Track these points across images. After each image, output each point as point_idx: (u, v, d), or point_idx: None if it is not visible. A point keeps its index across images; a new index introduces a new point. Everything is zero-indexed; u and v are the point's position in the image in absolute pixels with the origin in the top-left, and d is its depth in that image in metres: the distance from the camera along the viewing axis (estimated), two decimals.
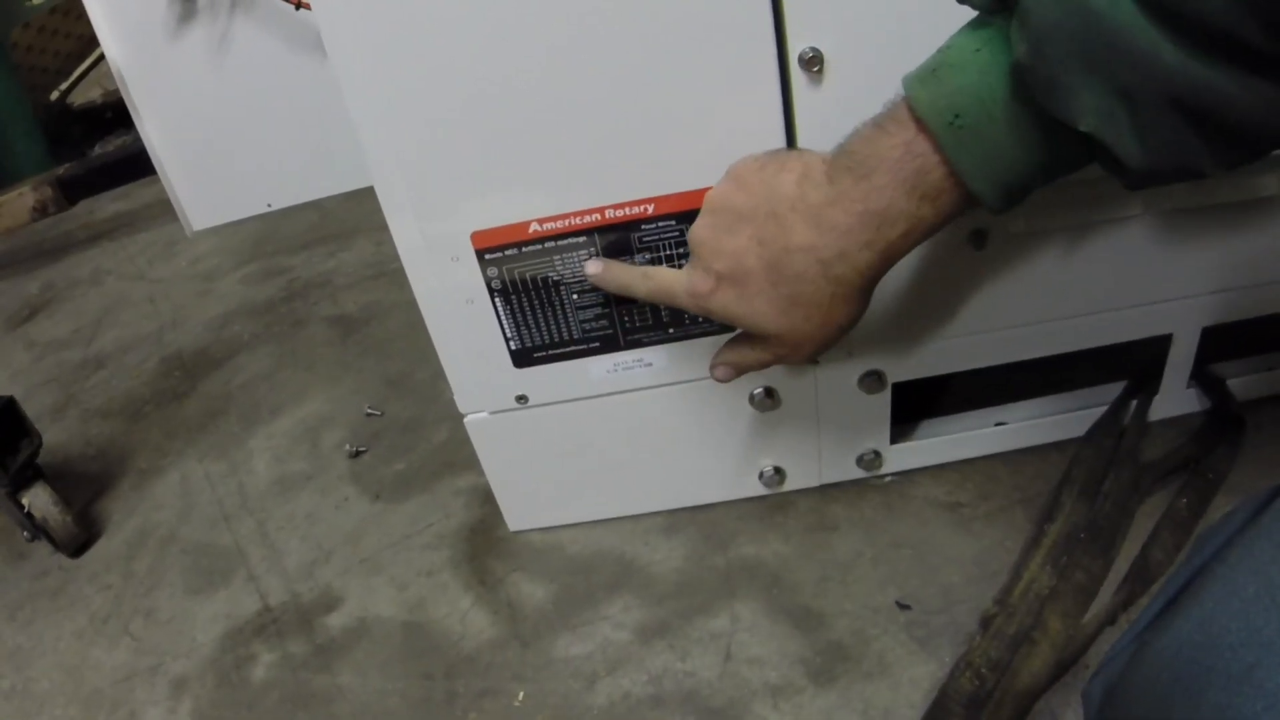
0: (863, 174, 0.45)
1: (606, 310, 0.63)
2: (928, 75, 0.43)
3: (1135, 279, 0.65)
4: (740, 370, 0.57)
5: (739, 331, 0.55)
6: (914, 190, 0.44)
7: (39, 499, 0.86)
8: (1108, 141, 0.39)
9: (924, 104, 0.43)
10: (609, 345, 0.65)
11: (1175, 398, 0.74)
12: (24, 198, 1.44)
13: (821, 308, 0.49)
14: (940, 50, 0.44)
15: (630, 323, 0.64)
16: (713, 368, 0.58)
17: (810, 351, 0.53)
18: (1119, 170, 0.41)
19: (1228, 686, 0.32)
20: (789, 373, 0.68)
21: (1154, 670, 0.37)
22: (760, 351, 0.54)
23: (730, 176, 0.52)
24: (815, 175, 0.48)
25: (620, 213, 0.59)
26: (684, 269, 0.54)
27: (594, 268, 0.59)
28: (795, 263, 0.48)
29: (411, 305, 0.64)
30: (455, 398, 0.70)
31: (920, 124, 0.43)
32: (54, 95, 2.07)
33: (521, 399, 0.69)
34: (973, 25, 0.43)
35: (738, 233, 0.50)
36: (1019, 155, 0.42)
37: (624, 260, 0.60)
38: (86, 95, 2.08)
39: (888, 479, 0.75)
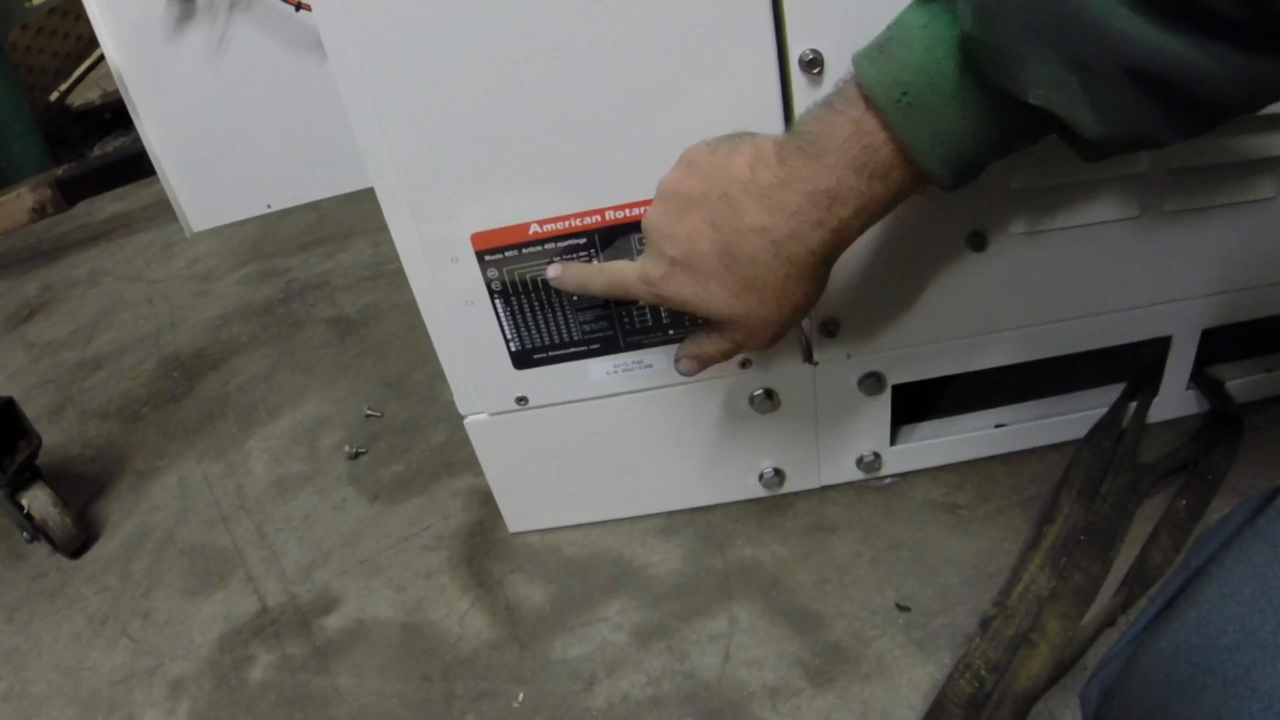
0: (813, 153, 0.45)
1: (606, 312, 0.63)
2: (875, 52, 0.43)
3: (1134, 281, 0.65)
4: (704, 362, 0.57)
5: (699, 324, 0.55)
6: (864, 168, 0.44)
7: (38, 500, 0.86)
8: (1060, 113, 0.38)
9: (871, 81, 0.42)
10: (609, 347, 0.65)
11: (1174, 400, 0.74)
12: (22, 199, 1.44)
13: (775, 290, 0.49)
14: (889, 27, 0.43)
15: (630, 324, 0.64)
16: (676, 361, 0.57)
17: (769, 335, 0.53)
18: (1074, 141, 0.40)
19: (1224, 689, 0.32)
20: (788, 374, 0.68)
21: (1150, 672, 0.38)
22: (720, 340, 0.54)
23: (682, 162, 0.52)
24: (766, 156, 0.47)
25: (621, 214, 0.59)
26: (638, 259, 0.54)
27: (553, 271, 0.59)
28: (747, 244, 0.48)
29: (409, 306, 0.64)
30: (455, 399, 0.70)
31: (868, 101, 0.43)
32: (53, 96, 2.07)
33: (521, 400, 0.69)
34: (920, 0, 0.43)
35: (689, 217, 0.50)
36: (968, 130, 0.42)
37: (623, 260, 0.60)
38: (85, 96, 2.08)
39: (887, 480, 0.75)
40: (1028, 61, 0.38)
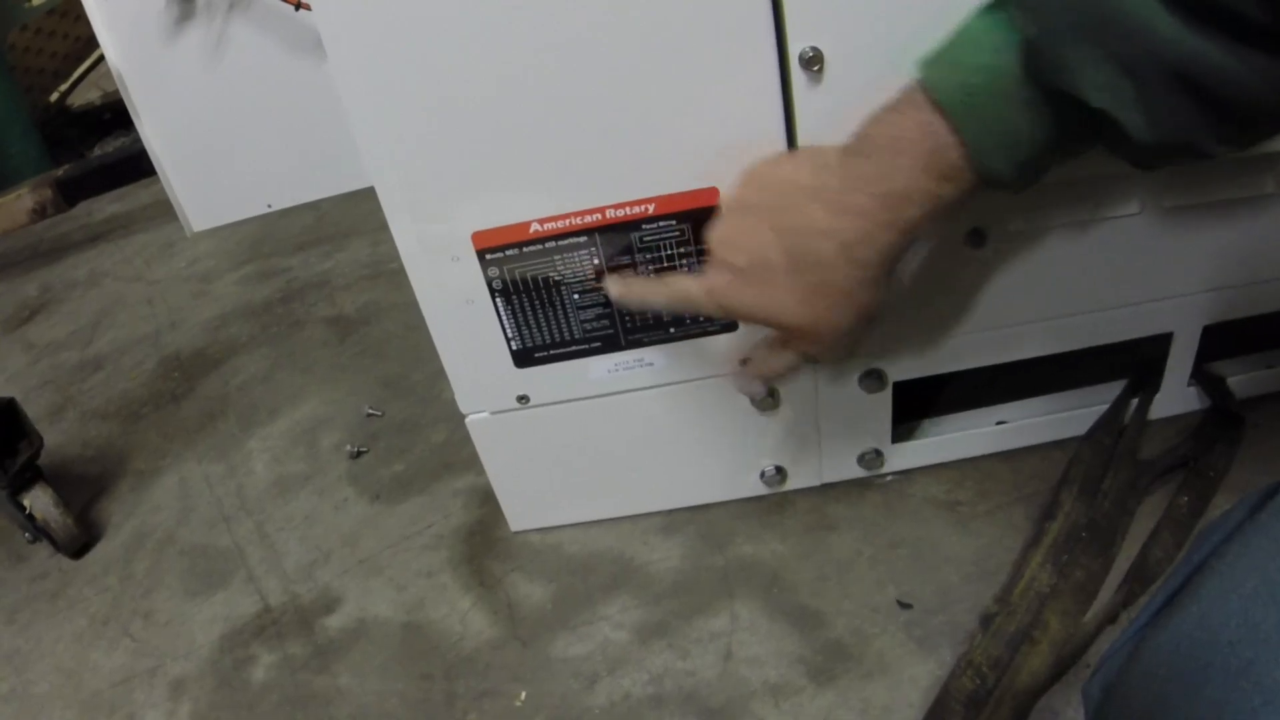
0: (880, 157, 0.46)
1: (607, 310, 0.63)
2: (939, 57, 0.44)
3: (1135, 277, 0.65)
4: (770, 379, 0.56)
5: (761, 340, 0.55)
6: (932, 169, 0.45)
7: (40, 501, 0.86)
8: (1117, 117, 0.39)
9: (939, 85, 0.43)
10: (610, 345, 0.65)
11: (1175, 396, 0.74)
12: (22, 199, 1.44)
13: (845, 294, 0.49)
14: (954, 33, 0.44)
15: (631, 322, 0.64)
16: (741, 380, 0.57)
17: (837, 343, 0.52)
18: (1126, 146, 0.41)
19: (1225, 682, 0.32)
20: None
21: (1152, 666, 0.38)
22: (787, 354, 0.54)
23: (743, 176, 0.52)
24: (831, 162, 0.48)
25: (621, 212, 0.59)
26: (701, 271, 0.54)
27: (616, 289, 0.59)
28: (817, 249, 0.48)
29: (409, 306, 0.64)
30: (456, 398, 0.70)
31: (936, 105, 0.43)
32: (53, 97, 2.07)
33: (522, 399, 0.69)
34: (986, 8, 0.44)
35: (755, 227, 0.50)
36: (1034, 132, 0.42)
37: (624, 258, 0.60)
38: (85, 97, 2.08)
39: (888, 478, 0.75)
40: (1084, 65, 0.39)
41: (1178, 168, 0.59)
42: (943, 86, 0.43)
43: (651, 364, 0.66)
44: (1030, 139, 0.43)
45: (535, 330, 0.64)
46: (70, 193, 1.47)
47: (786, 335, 0.53)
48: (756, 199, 0.51)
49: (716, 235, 0.52)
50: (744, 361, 0.58)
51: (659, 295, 0.57)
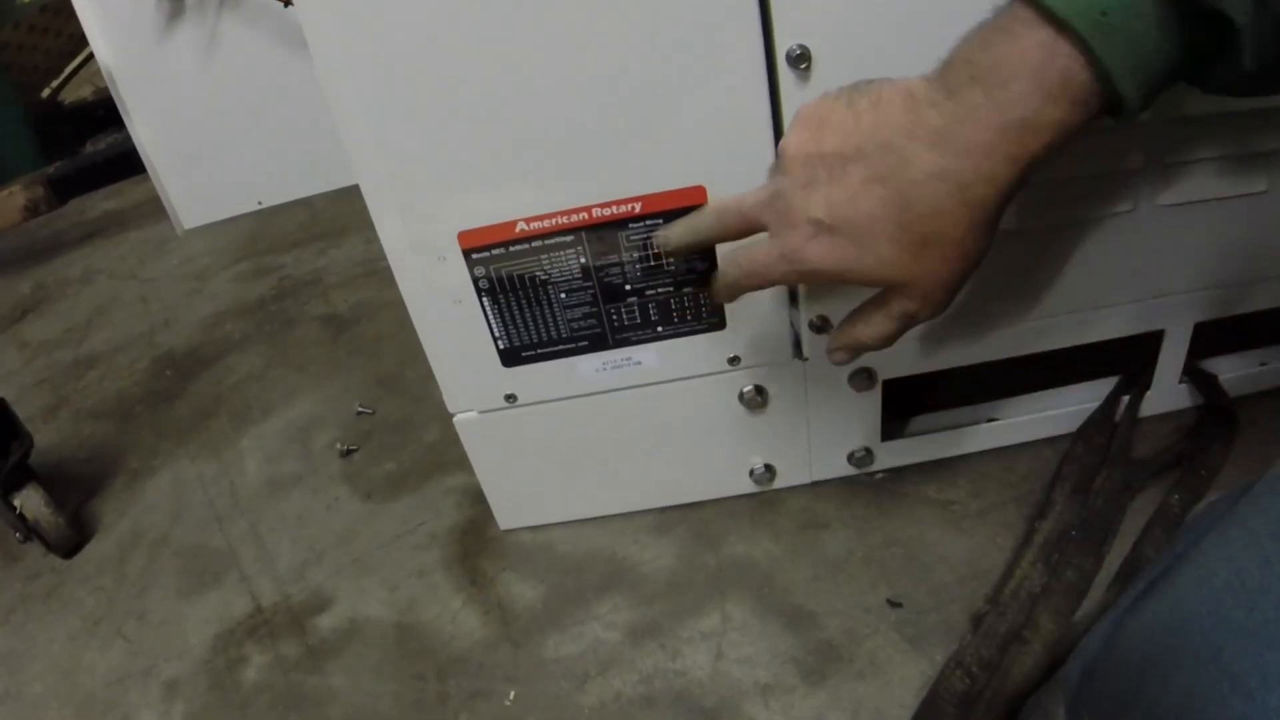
0: (995, 82, 0.41)
1: (595, 309, 0.63)
2: None
3: (1128, 275, 0.65)
4: (860, 349, 0.51)
5: (857, 310, 0.50)
6: (1057, 94, 0.40)
7: (31, 501, 0.86)
8: (1244, 42, 0.37)
9: (1067, 4, 0.39)
10: (598, 344, 0.65)
11: (1168, 393, 0.74)
12: (14, 197, 1.44)
13: (957, 242, 0.44)
14: None
15: (619, 321, 0.64)
16: (830, 353, 0.52)
17: (943, 300, 0.47)
18: (1236, 70, 0.39)
19: (1196, 669, 0.32)
20: (778, 370, 0.68)
21: (1128, 652, 0.38)
22: (885, 318, 0.48)
23: (806, 122, 0.46)
24: (928, 94, 0.43)
25: (607, 211, 0.58)
26: (768, 236, 0.49)
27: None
28: (928, 194, 0.43)
29: (402, 304, 0.64)
30: (444, 397, 0.69)
31: (1057, 23, 0.39)
32: (45, 93, 2.06)
33: (510, 398, 0.69)
34: None
35: (843, 179, 0.44)
36: (1162, 52, 0.40)
37: (611, 257, 0.60)
38: (78, 93, 2.08)
39: (879, 476, 0.75)
40: None
41: (1171, 166, 0.59)
42: (1070, 5, 0.39)
43: (639, 363, 0.66)
44: (1159, 59, 0.39)
45: (522, 329, 0.64)
46: (62, 190, 1.46)
47: (886, 295, 0.48)
48: (837, 146, 0.44)
49: (784, 189, 0.46)
50: (825, 330, 0.52)
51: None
